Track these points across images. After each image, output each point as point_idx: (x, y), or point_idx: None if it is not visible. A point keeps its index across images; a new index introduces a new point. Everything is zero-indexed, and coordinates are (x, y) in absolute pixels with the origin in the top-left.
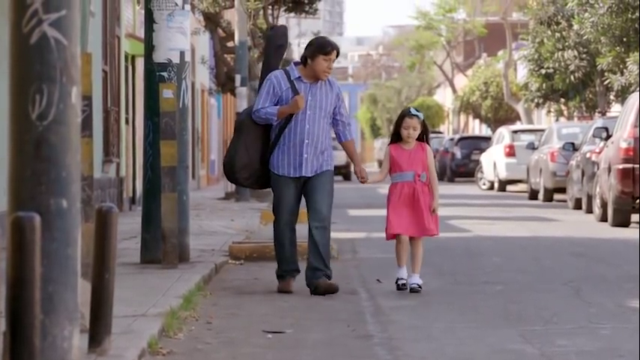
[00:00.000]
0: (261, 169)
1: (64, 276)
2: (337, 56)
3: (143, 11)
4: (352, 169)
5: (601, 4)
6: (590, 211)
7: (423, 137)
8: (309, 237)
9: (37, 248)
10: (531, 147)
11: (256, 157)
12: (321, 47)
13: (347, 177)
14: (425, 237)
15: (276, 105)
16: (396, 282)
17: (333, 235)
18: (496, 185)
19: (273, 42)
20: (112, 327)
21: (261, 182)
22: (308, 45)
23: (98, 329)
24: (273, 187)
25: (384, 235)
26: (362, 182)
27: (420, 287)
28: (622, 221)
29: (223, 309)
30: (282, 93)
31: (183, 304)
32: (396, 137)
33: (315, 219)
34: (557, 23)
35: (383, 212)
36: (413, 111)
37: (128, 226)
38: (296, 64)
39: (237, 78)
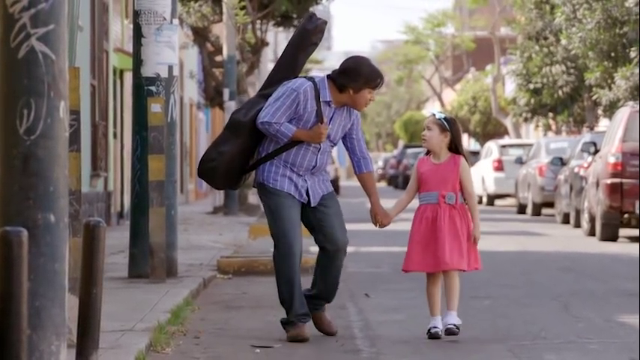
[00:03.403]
0: (239, 175)
1: (52, 291)
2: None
3: (131, 25)
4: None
5: (589, 20)
6: (578, 225)
7: (454, 147)
8: (325, 265)
9: (25, 263)
10: (519, 161)
11: (240, 166)
12: (370, 80)
13: (335, 191)
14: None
15: (290, 121)
16: (428, 330)
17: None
18: (484, 199)
19: (308, 37)
20: (99, 342)
21: (229, 185)
22: (350, 72)
23: (86, 344)
24: (272, 205)
25: (372, 249)
26: (380, 227)
27: (457, 328)
28: (610, 236)
29: (211, 324)
30: (305, 114)
31: (171, 319)
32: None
33: (338, 247)
34: (545, 38)
35: (372, 227)
36: (432, 110)
37: (116, 240)
38: (328, 77)
39: (226, 92)
